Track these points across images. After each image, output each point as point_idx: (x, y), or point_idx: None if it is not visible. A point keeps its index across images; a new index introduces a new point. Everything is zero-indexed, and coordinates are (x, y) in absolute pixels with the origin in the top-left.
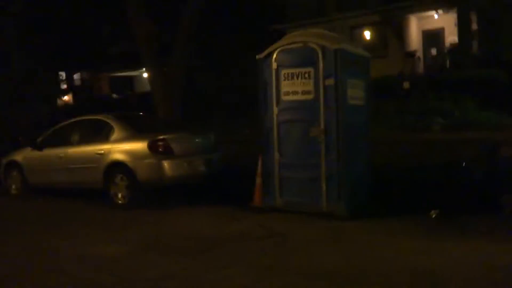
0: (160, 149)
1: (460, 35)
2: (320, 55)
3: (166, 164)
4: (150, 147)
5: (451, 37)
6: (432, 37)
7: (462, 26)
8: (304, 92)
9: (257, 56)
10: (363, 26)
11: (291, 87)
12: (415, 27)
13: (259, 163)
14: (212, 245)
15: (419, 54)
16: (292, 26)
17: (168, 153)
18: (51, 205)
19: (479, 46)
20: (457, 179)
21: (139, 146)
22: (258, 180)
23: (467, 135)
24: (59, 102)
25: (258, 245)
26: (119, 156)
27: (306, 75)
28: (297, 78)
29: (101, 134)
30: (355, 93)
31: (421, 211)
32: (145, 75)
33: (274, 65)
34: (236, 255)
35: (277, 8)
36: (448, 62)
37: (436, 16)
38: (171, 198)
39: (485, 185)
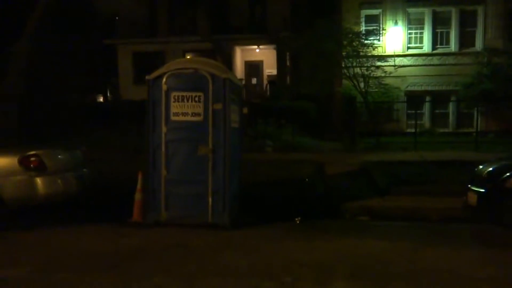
0: (32, 165)
1: (279, 70)
2: (210, 82)
3: (39, 181)
4: (21, 162)
5: (268, 69)
6: (253, 68)
7: (280, 62)
8: (194, 114)
9: (146, 77)
10: (195, 51)
11: (181, 108)
12: (239, 57)
13: (139, 179)
14: (119, 260)
15: (243, 82)
16: (123, 43)
17: (41, 169)
18: None
19: (291, 80)
20: (304, 192)
21: (6, 162)
22: (138, 196)
23: (294, 156)
24: None
25: (166, 255)
26: None
27: (196, 99)
28: (187, 100)
29: None
30: (235, 117)
31: (285, 218)
32: None
33: (164, 87)
34: (151, 266)
35: (107, 23)
36: (268, 92)
37: (257, 50)
38: (38, 218)
39: (325, 196)
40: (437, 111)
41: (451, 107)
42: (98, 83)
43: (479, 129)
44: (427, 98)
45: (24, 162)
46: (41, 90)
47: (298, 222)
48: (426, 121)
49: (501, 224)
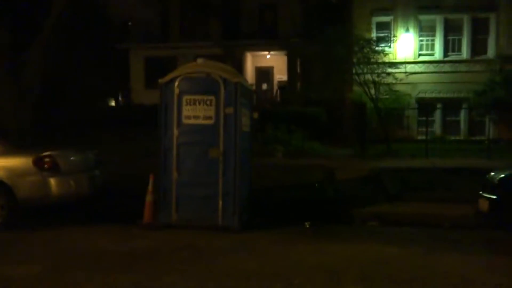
0: (46, 166)
1: (289, 76)
2: (221, 86)
3: (52, 181)
4: (35, 163)
5: (279, 75)
6: (264, 73)
7: (291, 68)
8: (205, 118)
9: (159, 81)
10: (206, 56)
11: (193, 112)
12: (250, 63)
13: (150, 181)
14: (130, 260)
15: (253, 88)
16: (135, 47)
17: (54, 170)
18: None
19: (301, 86)
20: (314, 197)
21: (21, 162)
22: (149, 198)
23: (304, 161)
24: None
25: (177, 256)
26: None
27: (208, 102)
28: (199, 104)
29: None
30: (245, 121)
31: (295, 222)
32: None
33: (177, 91)
34: (164, 265)
35: (119, 28)
36: (279, 97)
37: (268, 56)
38: (50, 218)
39: (335, 201)
40: (448, 118)
41: (462, 115)
42: (110, 87)
43: (491, 137)
44: (438, 105)
45: (38, 163)
46: (54, 94)
47: (307, 226)
48: (437, 129)
49: None
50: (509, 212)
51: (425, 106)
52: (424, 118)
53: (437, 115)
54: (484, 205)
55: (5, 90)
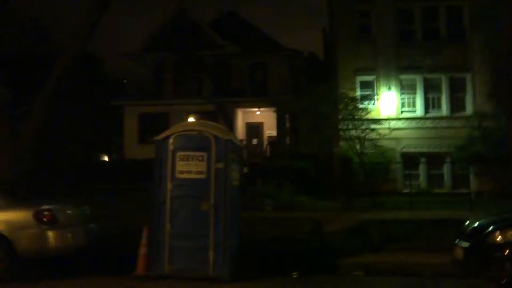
0: (45, 219)
1: (278, 131)
2: (213, 143)
3: (51, 234)
4: (35, 216)
5: (269, 130)
6: (254, 129)
7: (280, 124)
8: (197, 172)
9: (154, 138)
10: (198, 113)
11: (186, 167)
12: (241, 119)
13: (144, 234)
14: None
15: (244, 143)
16: (130, 104)
17: (53, 223)
18: None
19: (290, 141)
20: (302, 248)
21: (21, 215)
22: (142, 250)
23: (293, 214)
24: None
25: None
26: None
27: (200, 158)
28: (192, 160)
29: None
30: (235, 175)
31: (283, 273)
32: None
33: (171, 147)
34: None
35: (114, 85)
36: (268, 152)
37: (258, 112)
38: (44, 270)
39: (322, 253)
40: (432, 172)
41: (446, 168)
42: (103, 142)
43: (474, 190)
44: (422, 160)
45: (38, 216)
46: (50, 148)
47: (295, 276)
48: (422, 182)
49: (484, 278)
50: (481, 260)
51: (409, 160)
52: (409, 172)
53: (422, 168)
54: (459, 253)
55: (3, 143)
